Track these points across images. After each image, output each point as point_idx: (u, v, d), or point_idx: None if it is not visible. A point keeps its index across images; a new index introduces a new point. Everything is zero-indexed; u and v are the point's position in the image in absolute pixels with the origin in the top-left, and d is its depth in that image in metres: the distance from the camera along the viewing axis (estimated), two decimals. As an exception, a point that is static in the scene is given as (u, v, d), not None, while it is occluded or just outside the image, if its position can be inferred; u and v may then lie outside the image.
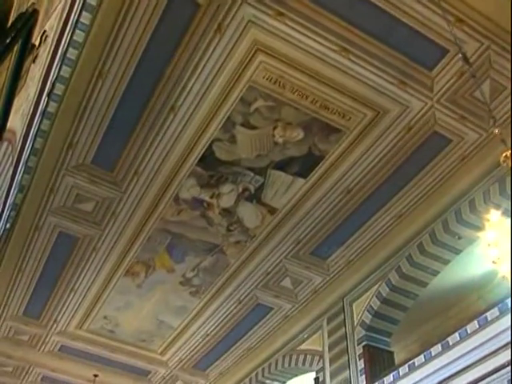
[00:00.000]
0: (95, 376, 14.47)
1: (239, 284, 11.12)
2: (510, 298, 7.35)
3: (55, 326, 12.82)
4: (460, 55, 6.33)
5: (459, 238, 9.16)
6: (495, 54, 7.08)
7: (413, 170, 8.74)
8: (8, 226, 9.64)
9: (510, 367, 7.14)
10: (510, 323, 7.24)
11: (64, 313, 12.35)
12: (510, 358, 7.11)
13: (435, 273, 9.81)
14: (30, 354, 13.89)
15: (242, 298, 11.51)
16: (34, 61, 3.40)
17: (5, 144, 3.50)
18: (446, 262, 9.65)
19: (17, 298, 11.98)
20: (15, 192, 8.41)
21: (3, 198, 5.42)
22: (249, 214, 9.56)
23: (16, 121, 3.62)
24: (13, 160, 4.86)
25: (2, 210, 6.59)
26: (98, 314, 12.36)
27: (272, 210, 9.48)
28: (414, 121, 7.97)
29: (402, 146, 8.33)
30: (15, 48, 2.63)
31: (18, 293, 11.82)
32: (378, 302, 10.12)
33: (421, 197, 9.15)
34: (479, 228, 8.72)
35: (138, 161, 8.70)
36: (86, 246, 10.44)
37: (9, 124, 3.01)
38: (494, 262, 5.01)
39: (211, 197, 9.31)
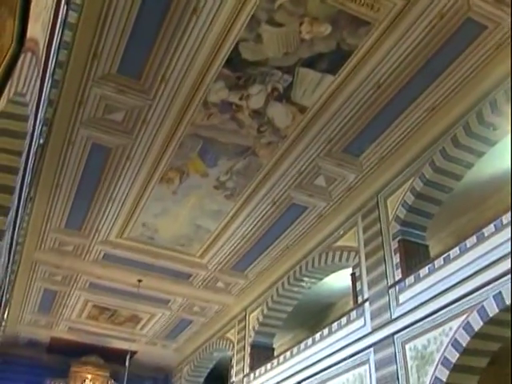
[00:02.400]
0: (139, 281, 15.03)
1: (273, 185, 11.20)
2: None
3: (97, 235, 13.21)
4: None
5: (494, 129, 8.97)
6: None
7: (446, 60, 8.44)
8: (42, 141, 9.74)
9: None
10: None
11: (104, 223, 12.69)
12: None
13: (469, 165, 9.69)
14: (76, 263, 14.43)
15: (276, 199, 11.62)
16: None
17: (28, 54, 3.45)
18: (481, 154, 9.50)
19: (58, 211, 12.31)
20: (44, 106, 8.44)
21: (34, 112, 5.43)
22: (279, 114, 9.46)
23: (37, 29, 3.56)
24: (38, 72, 4.82)
25: (34, 125, 6.62)
26: (136, 221, 12.66)
27: (302, 109, 9.35)
28: (446, 8, 7.60)
29: (433, 35, 8.00)
30: None
31: (59, 206, 12.13)
32: (413, 197, 10.12)
33: (454, 88, 8.88)
34: (516, 116, 8.55)
35: (164, 67, 8.60)
36: (119, 156, 10.54)
37: (29, 32, 2.96)
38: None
39: (240, 99, 9.21)
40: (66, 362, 19.70)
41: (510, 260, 7.65)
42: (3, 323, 15.67)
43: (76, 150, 10.44)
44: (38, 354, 20.04)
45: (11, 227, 6.40)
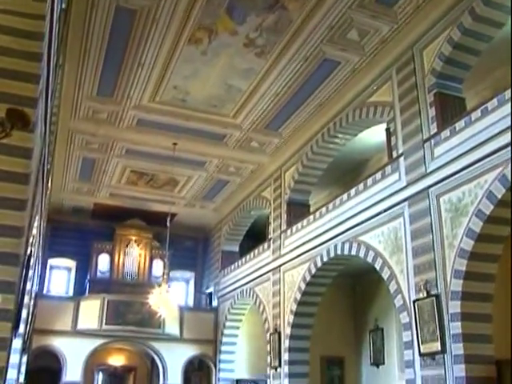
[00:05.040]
0: (174, 144, 15.19)
1: (304, 40, 10.84)
2: None
3: (129, 101, 13.21)
4: None
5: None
6: None
7: None
8: (64, 5, 9.47)
9: None
10: None
11: (135, 88, 12.62)
12: None
13: (513, 11, 9.17)
14: (111, 130, 14.60)
15: (308, 55, 11.31)
16: None
17: None
18: (526, -2, 8.94)
19: (88, 78, 12.25)
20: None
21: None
22: (308, -38, 8.95)
23: None
24: None
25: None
26: (167, 85, 12.55)
27: (332, -45, 8.81)
28: None
29: None
30: None
31: (89, 73, 12.05)
32: (450, 48, 9.73)
33: None
34: None
35: None
36: (145, 18, 10.24)
37: None
38: None
39: None
40: (110, 226, 20.65)
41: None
42: (48, 192, 16.25)
43: (100, 13, 10.17)
44: (83, 219, 21.02)
45: (44, 96, 6.40)
